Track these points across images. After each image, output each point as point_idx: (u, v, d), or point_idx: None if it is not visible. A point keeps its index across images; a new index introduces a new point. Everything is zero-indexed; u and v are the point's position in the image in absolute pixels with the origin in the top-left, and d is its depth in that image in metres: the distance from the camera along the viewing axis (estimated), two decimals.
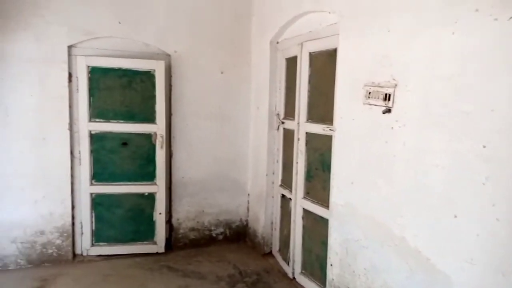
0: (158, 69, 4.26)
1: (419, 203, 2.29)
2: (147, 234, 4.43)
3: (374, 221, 2.63)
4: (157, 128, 4.33)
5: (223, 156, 4.73)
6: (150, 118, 4.31)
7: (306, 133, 3.65)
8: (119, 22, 4.18)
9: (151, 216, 4.42)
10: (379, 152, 2.57)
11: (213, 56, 4.57)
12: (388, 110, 2.48)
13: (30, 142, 3.96)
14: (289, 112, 4.05)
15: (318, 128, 3.47)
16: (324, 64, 3.43)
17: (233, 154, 4.77)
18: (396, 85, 2.42)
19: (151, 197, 4.41)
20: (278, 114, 4.27)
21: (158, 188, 4.39)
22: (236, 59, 4.66)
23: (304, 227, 3.75)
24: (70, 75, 4.08)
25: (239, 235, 4.87)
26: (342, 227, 2.99)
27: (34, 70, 3.92)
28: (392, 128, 2.46)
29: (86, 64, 4.08)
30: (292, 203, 3.92)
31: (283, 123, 4.19)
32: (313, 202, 3.59)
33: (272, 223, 4.46)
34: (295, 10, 3.68)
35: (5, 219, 3.89)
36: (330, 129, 3.26)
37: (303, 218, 3.76)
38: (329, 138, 3.29)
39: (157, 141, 4.34)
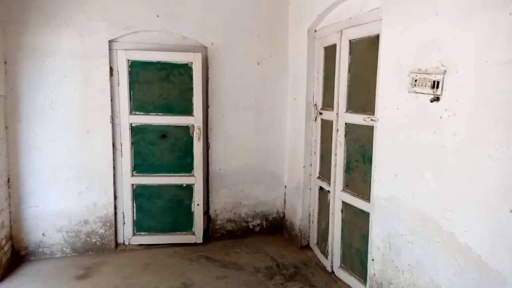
0: (195, 61, 4.27)
1: (470, 197, 2.15)
2: (186, 224, 4.50)
3: (421, 216, 2.51)
4: (195, 120, 4.36)
5: (260, 148, 4.70)
6: (187, 110, 4.35)
7: (346, 123, 3.54)
8: (157, 16, 4.22)
9: (189, 207, 4.49)
10: (427, 143, 2.44)
11: (250, 47, 4.53)
12: (436, 99, 2.33)
13: (74, 135, 4.10)
14: (328, 102, 3.95)
15: (358, 119, 3.35)
16: (365, 51, 3.30)
17: (270, 146, 4.73)
18: (445, 71, 2.27)
19: (189, 188, 4.47)
20: (315, 105, 4.17)
21: (196, 179, 4.44)
22: (273, 49, 4.60)
23: (343, 220, 3.66)
24: (111, 69, 4.18)
25: (276, 227, 4.85)
26: (384, 221, 2.88)
27: (77, 65, 4.05)
28: (441, 117, 2.32)
29: (126, 58, 4.16)
30: (330, 196, 3.84)
31: (321, 113, 4.09)
32: (353, 195, 3.49)
33: (309, 215, 4.39)
34: None
35: (51, 209, 4.07)
36: (371, 119, 3.14)
37: (342, 211, 3.67)
38: (370, 129, 3.17)
39: (194, 133, 4.37)
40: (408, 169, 2.62)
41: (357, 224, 3.47)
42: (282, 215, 4.85)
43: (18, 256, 3.97)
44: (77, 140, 4.12)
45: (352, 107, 3.48)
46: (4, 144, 3.83)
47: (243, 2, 4.46)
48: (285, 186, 4.81)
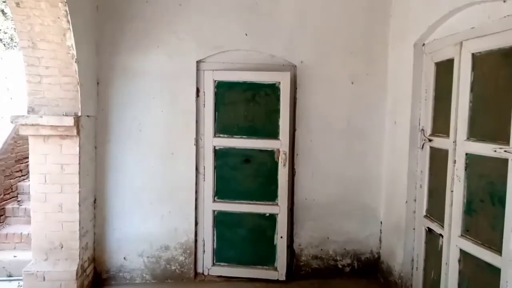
0: (283, 81, 3.96)
1: None
2: (268, 258, 4.12)
3: None
4: (280, 144, 4.02)
5: (352, 177, 4.18)
6: (273, 133, 4.03)
7: (467, 154, 2.88)
8: (246, 34, 4.03)
9: (272, 239, 4.11)
10: None
11: (343, 64, 4.09)
12: None
13: (159, 157, 4.03)
14: (440, 127, 3.32)
15: (485, 149, 2.69)
16: (495, 66, 2.66)
17: (364, 175, 4.18)
18: None
19: (272, 218, 4.10)
20: (423, 130, 3.56)
21: (279, 209, 4.06)
22: (369, 66, 4.10)
23: (461, 273, 2.95)
24: (197, 90, 4.06)
25: (369, 269, 4.22)
26: None
27: (165, 86, 4.00)
28: None
29: (213, 78, 4.02)
30: (443, 241, 3.16)
31: (430, 140, 3.46)
32: (475, 243, 2.79)
33: (412, 260, 3.71)
34: (452, 3, 2.98)
35: (134, 232, 4.00)
36: (505, 151, 2.48)
37: (459, 261, 2.97)
38: (502, 162, 2.51)
39: (280, 158, 4.03)
40: None
41: (481, 280, 2.76)
42: (376, 255, 4.22)
43: (100, 279, 3.94)
44: (161, 162, 4.03)
45: (475, 134, 2.82)
46: (93, 165, 3.87)
47: (337, 16, 4.07)
48: (381, 223, 4.19)
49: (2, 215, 5.17)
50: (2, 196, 5.20)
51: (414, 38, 3.55)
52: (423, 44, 3.54)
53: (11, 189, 5.42)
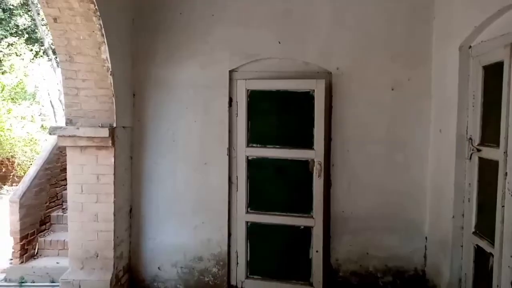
0: (318, 89, 3.82)
1: None
2: (303, 272, 3.95)
3: None
4: (315, 154, 3.87)
5: (393, 189, 3.92)
6: (307, 143, 3.89)
7: None
8: (279, 42, 3.94)
9: (307, 253, 3.94)
10: None
11: (382, 70, 3.88)
12: None
13: (193, 167, 4.02)
14: (490, 136, 3.03)
15: None
16: None
17: (406, 187, 3.91)
18: None
19: (307, 231, 3.94)
20: (471, 139, 3.27)
21: (314, 221, 3.89)
22: (411, 72, 3.85)
23: None
24: (230, 100, 4.02)
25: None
26: None
27: (198, 96, 4.00)
28: None
29: (246, 88, 3.96)
30: (494, 260, 2.86)
31: (478, 150, 3.17)
32: None
33: (460, 281, 3.40)
34: (501, 1, 2.73)
35: (168, 242, 4.01)
36: None
37: None
38: None
39: (314, 169, 3.87)
40: None
41: None
42: (421, 273, 3.92)
43: None
44: (195, 172, 4.02)
45: None
46: (129, 175, 3.93)
47: (376, 21, 3.88)
48: (426, 238, 3.89)
49: (47, 222, 5.40)
50: (47, 204, 5.44)
51: (459, 40, 3.29)
52: (470, 47, 3.27)
53: (57, 197, 5.66)
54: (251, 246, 4.05)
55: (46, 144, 6.50)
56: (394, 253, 3.95)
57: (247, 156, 4.00)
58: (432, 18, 3.81)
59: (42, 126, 12.38)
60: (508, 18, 2.80)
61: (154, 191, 4.02)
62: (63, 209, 5.63)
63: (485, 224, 3.07)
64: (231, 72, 4.01)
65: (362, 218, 3.96)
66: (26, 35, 13.59)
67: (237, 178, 4.04)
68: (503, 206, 2.74)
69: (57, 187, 5.69)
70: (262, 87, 3.95)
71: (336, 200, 3.98)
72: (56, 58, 12.66)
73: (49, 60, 13.54)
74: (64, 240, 5.03)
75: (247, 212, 4.04)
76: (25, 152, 11.01)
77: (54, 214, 5.49)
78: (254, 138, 3.98)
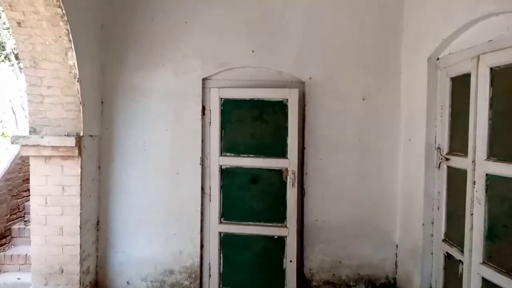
0: (291, 98, 3.83)
1: None
2: (276, 283, 3.91)
3: None
4: (289, 163, 3.86)
5: (365, 197, 3.97)
6: (281, 152, 3.88)
7: (487, 175, 2.68)
8: (253, 51, 3.93)
9: (280, 263, 3.90)
10: None
11: (354, 80, 3.94)
12: None
13: (164, 177, 3.92)
14: (457, 145, 3.12)
15: (507, 169, 2.49)
16: None
17: (377, 196, 3.97)
18: None
19: (281, 240, 3.91)
20: (439, 148, 3.36)
21: (288, 231, 3.87)
22: (381, 82, 3.94)
23: None
24: (203, 108, 3.95)
25: None
26: None
27: (170, 105, 3.92)
28: None
29: (219, 96, 3.91)
30: (463, 268, 2.93)
31: (447, 159, 3.26)
32: (499, 271, 2.57)
33: (430, 287, 3.46)
34: (468, 15, 2.83)
35: (138, 255, 3.87)
36: None
37: None
38: None
39: (288, 177, 3.86)
40: None
41: None
42: (392, 281, 3.97)
43: None
44: (166, 182, 3.92)
45: (497, 153, 2.62)
46: (96, 185, 3.78)
47: (347, 33, 3.94)
48: (397, 246, 3.95)
49: (8, 236, 5.10)
50: (8, 216, 5.15)
51: (428, 52, 3.39)
52: (438, 58, 3.38)
53: (18, 209, 5.37)
54: (224, 257, 3.97)
55: (7, 153, 6.17)
56: (366, 261, 3.98)
57: (221, 166, 3.94)
58: (401, 31, 3.92)
59: (3, 134, 11.80)
60: (475, 31, 2.90)
61: (123, 202, 3.88)
62: (25, 221, 5.34)
63: (455, 231, 3.15)
64: (204, 80, 3.96)
65: (335, 226, 3.98)
66: None
67: (210, 188, 3.97)
68: (471, 214, 2.82)
69: (19, 198, 5.40)
70: (236, 96, 3.91)
71: (310, 209, 3.98)
72: (19, 63, 12.14)
73: (11, 65, 12.95)
74: (26, 254, 4.76)
75: (220, 222, 3.96)
76: None
77: (15, 227, 5.19)
78: (227, 147, 3.93)
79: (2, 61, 12.89)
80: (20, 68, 12.11)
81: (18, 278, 4.55)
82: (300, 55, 3.94)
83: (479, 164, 2.74)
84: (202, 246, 3.97)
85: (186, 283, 3.90)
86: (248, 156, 3.91)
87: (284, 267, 3.89)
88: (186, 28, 3.91)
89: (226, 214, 3.96)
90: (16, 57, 12.15)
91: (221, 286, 3.97)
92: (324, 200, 3.98)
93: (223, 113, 3.92)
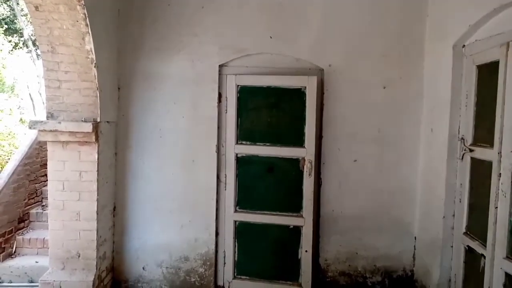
0: (310, 86, 3.75)
1: None
2: (291, 273, 3.88)
3: None
4: (306, 152, 3.79)
5: (383, 189, 3.89)
6: (298, 141, 3.81)
7: None
8: (271, 37, 3.85)
9: (296, 253, 3.87)
10: None
11: (374, 68, 3.83)
12: None
13: (180, 164, 3.90)
14: (483, 136, 3.01)
15: None
16: None
17: (396, 187, 3.88)
18: None
19: (296, 230, 3.87)
20: (463, 139, 3.25)
21: (304, 221, 3.83)
22: (403, 70, 3.82)
23: None
24: (219, 95, 3.90)
25: None
26: None
27: (186, 91, 3.87)
28: None
29: (236, 83, 3.85)
30: (485, 262, 2.84)
31: (471, 150, 3.15)
32: None
33: (449, 281, 3.39)
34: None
35: (153, 242, 3.88)
36: None
37: (504, 286, 2.65)
38: None
39: (305, 167, 3.80)
40: None
41: None
42: (410, 273, 3.90)
43: None
44: (182, 169, 3.90)
45: None
46: (113, 171, 3.78)
47: (369, 16, 3.82)
48: (415, 238, 3.87)
49: (26, 220, 5.19)
50: (26, 200, 5.23)
51: (453, 39, 3.26)
52: (463, 46, 3.25)
53: (36, 193, 5.45)
54: (239, 246, 3.96)
55: (25, 138, 6.26)
56: (383, 253, 3.92)
57: (236, 154, 3.90)
58: (425, 16, 3.78)
59: (21, 119, 12.00)
60: (504, 17, 2.77)
61: (139, 188, 3.88)
62: (43, 206, 5.42)
63: (477, 224, 3.06)
64: (221, 66, 3.90)
65: (352, 217, 3.92)
66: (5, 26, 13.12)
67: (225, 176, 3.94)
68: (496, 207, 2.72)
69: (37, 183, 5.47)
70: (253, 83, 3.85)
71: (326, 199, 3.92)
72: (36, 49, 12.26)
73: (28, 52, 13.11)
74: (43, 238, 4.84)
75: (236, 211, 3.94)
76: (3, 147, 10.63)
77: (33, 211, 5.28)
78: (243, 135, 3.88)
79: (20, 47, 13.05)
80: (38, 55, 12.22)
81: (36, 262, 4.64)
82: (319, 42, 3.84)
83: (506, 156, 2.64)
84: (217, 234, 3.96)
85: (201, 270, 3.90)
86: (265, 145, 3.86)
87: (299, 257, 3.86)
88: (203, 13, 3.84)
89: (242, 203, 3.94)
90: (34, 43, 12.28)
91: (235, 274, 3.96)
92: (341, 190, 3.92)
93: (239, 100, 3.87)
